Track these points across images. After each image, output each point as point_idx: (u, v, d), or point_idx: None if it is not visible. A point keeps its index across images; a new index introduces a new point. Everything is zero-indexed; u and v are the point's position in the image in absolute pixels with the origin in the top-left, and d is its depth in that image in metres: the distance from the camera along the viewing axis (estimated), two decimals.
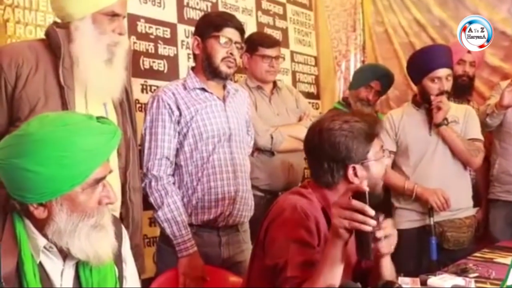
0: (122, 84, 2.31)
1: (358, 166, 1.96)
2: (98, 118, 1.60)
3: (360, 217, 1.61)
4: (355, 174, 1.96)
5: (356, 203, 1.62)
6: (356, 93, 4.19)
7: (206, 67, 2.71)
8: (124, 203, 2.35)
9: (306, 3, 5.07)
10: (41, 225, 1.53)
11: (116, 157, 2.32)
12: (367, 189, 1.65)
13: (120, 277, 1.72)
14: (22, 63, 2.14)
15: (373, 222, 1.62)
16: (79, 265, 1.62)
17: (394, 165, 3.44)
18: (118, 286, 1.69)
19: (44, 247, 1.55)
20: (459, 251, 3.20)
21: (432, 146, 3.35)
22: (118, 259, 1.72)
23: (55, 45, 2.20)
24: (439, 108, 3.25)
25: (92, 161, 1.52)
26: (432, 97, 3.27)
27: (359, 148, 1.95)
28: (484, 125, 3.76)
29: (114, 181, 2.28)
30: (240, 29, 2.74)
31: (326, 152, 1.96)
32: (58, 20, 2.28)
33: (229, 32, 2.69)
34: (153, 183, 2.58)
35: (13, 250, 1.51)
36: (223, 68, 2.68)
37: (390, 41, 5.18)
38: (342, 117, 2.01)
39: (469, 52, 3.91)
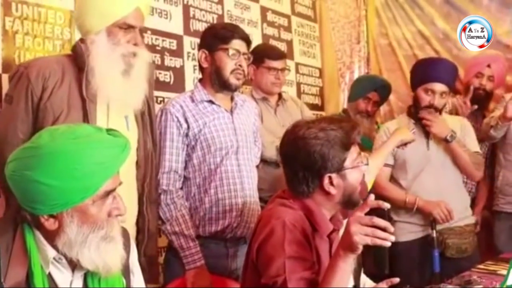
0: (142, 96, 2.35)
1: (334, 175, 1.93)
2: (108, 130, 1.63)
3: (383, 234, 1.63)
4: (331, 183, 1.93)
5: (379, 221, 1.65)
6: (355, 105, 4.21)
7: (215, 80, 2.72)
8: (140, 213, 2.40)
9: (310, 15, 5.10)
10: (51, 237, 1.55)
11: (135, 169, 2.37)
12: (388, 206, 1.68)
13: None
14: (49, 76, 2.21)
15: (393, 238, 1.64)
16: (88, 276, 1.64)
17: (392, 179, 3.42)
18: None
19: (54, 258, 1.57)
20: (462, 260, 3.20)
21: (430, 159, 3.34)
22: (125, 270, 1.73)
23: (79, 59, 2.26)
24: (427, 125, 3.26)
25: (103, 174, 1.54)
26: (421, 111, 3.26)
27: (335, 157, 1.91)
28: (488, 137, 3.78)
29: (131, 192, 2.37)
30: (247, 40, 2.76)
31: (301, 161, 1.94)
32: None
33: (237, 44, 2.70)
34: (162, 197, 2.60)
35: (23, 260, 1.53)
36: (233, 80, 2.70)
37: (394, 53, 5.21)
38: (318, 124, 1.96)
39: (488, 66, 3.93)
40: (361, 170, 1.99)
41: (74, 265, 1.60)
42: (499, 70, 3.98)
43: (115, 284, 1.67)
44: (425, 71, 3.37)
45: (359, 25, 5.37)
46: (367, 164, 2.00)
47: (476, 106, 3.91)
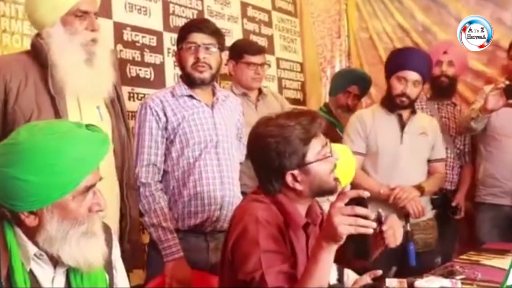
0: (110, 83, 2.34)
1: (296, 172, 1.91)
2: (87, 126, 1.61)
3: (365, 222, 1.65)
4: (295, 180, 1.92)
5: (359, 209, 1.66)
6: (335, 100, 4.23)
7: (183, 77, 2.73)
8: (122, 200, 2.42)
9: (291, 10, 5.10)
10: (32, 233, 1.54)
11: (113, 157, 2.37)
12: (368, 194, 1.69)
13: (111, 284, 1.73)
14: (10, 78, 2.17)
15: (374, 225, 1.67)
16: (70, 272, 1.62)
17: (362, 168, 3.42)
18: None
19: (35, 255, 1.55)
20: (426, 253, 3.26)
21: (402, 153, 3.35)
22: (108, 266, 1.72)
23: (40, 55, 2.23)
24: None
25: (82, 169, 1.53)
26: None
27: (293, 154, 1.89)
28: (468, 130, 3.81)
29: (112, 180, 2.38)
30: (209, 30, 2.70)
31: (261, 160, 1.94)
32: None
33: (193, 37, 2.67)
34: (141, 190, 2.61)
35: (4, 258, 1.51)
36: (196, 74, 2.68)
37: (374, 47, 5.23)
38: (276, 121, 1.93)
39: (445, 52, 3.95)
40: (329, 160, 1.95)
41: (55, 262, 1.59)
42: (458, 54, 3.99)
43: (97, 280, 1.66)
44: (398, 60, 3.41)
45: (339, 20, 5.39)
46: (331, 155, 1.95)
47: None
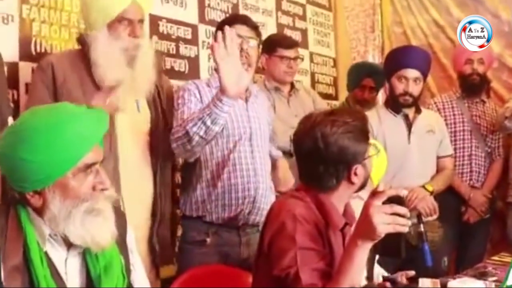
0: (149, 85, 2.47)
1: (359, 166, 1.96)
2: (87, 107, 1.68)
3: (403, 221, 1.68)
4: (355, 174, 1.96)
5: (399, 208, 1.68)
6: (352, 95, 4.21)
7: None
8: (154, 195, 2.50)
9: (325, 4, 5.08)
10: (40, 214, 1.58)
11: (148, 151, 2.48)
12: (406, 193, 1.71)
13: (127, 266, 1.76)
14: (60, 71, 2.41)
15: (410, 223, 1.70)
16: (86, 253, 1.65)
17: None
18: (125, 273, 1.71)
19: (49, 235, 1.59)
20: (434, 252, 3.19)
21: (410, 153, 3.35)
22: (123, 248, 1.75)
23: (87, 51, 2.42)
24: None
25: (81, 145, 1.56)
26: None
27: (361, 148, 1.96)
28: (502, 128, 3.77)
29: (146, 174, 2.49)
30: (249, 24, 2.75)
31: (333, 156, 1.94)
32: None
33: (238, 29, 2.67)
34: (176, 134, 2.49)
35: (19, 240, 1.54)
36: None
37: (408, 42, 5.16)
38: (340, 117, 1.96)
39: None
40: (372, 158, 2.05)
41: (69, 244, 1.62)
42: (487, 52, 3.93)
43: (113, 259, 1.68)
44: (397, 59, 3.42)
45: (373, 14, 5.33)
46: (379, 152, 2.05)
47: None
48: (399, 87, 3.33)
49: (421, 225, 3.06)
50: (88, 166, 1.59)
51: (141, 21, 2.48)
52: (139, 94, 2.47)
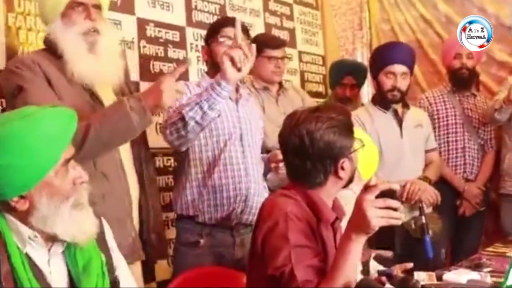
0: (119, 71, 2.39)
1: (345, 160, 1.96)
2: (52, 106, 1.69)
3: (396, 214, 1.69)
4: (342, 168, 1.96)
5: (392, 202, 1.69)
6: (334, 93, 4.22)
7: (216, 70, 2.66)
8: (142, 191, 2.45)
9: (312, 3, 5.09)
10: (24, 217, 1.58)
11: (129, 149, 2.42)
12: (398, 187, 1.73)
13: (110, 265, 1.77)
14: (42, 63, 2.28)
15: (404, 217, 1.74)
16: (65, 252, 1.66)
17: None
18: (106, 273, 1.72)
19: (29, 237, 1.59)
20: (433, 244, 3.22)
21: (403, 148, 3.39)
22: (104, 247, 1.77)
23: (55, 50, 2.31)
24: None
25: (58, 143, 1.59)
26: None
27: (346, 142, 1.96)
28: (492, 120, 3.79)
29: (131, 172, 2.42)
30: (241, 25, 2.68)
31: (319, 152, 1.94)
32: None
33: (228, 31, 2.70)
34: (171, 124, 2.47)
35: (2, 247, 1.55)
36: None
37: (396, 39, 5.16)
38: (325, 113, 1.97)
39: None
40: (359, 151, 2.04)
41: (50, 244, 1.63)
42: None
43: (91, 257, 1.69)
44: (383, 56, 3.45)
45: (361, 11, 5.34)
46: (364, 145, 2.03)
47: None
48: (387, 83, 3.35)
49: (423, 217, 3.10)
50: (67, 161, 1.61)
51: (96, 6, 2.37)
52: (108, 84, 2.37)
